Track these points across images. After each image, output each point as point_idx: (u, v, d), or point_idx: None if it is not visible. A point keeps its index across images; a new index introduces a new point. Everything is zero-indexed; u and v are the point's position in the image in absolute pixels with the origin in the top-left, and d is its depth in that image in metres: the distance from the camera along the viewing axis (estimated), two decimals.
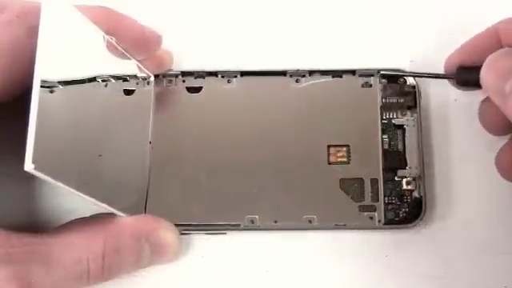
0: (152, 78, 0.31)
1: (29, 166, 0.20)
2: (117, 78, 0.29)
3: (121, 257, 0.25)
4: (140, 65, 0.29)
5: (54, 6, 0.22)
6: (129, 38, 0.27)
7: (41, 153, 0.20)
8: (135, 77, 0.30)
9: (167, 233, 0.27)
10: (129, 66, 0.29)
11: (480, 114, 0.28)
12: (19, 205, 0.29)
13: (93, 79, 0.27)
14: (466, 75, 0.26)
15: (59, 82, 0.24)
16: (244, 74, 0.30)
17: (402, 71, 0.30)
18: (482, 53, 0.25)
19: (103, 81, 0.28)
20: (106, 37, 0.26)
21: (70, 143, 0.25)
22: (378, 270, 0.28)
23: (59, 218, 0.28)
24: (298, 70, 0.30)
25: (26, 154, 0.20)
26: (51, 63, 0.22)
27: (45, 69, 0.21)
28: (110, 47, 0.27)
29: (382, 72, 0.30)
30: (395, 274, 0.28)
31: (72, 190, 0.23)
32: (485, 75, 0.24)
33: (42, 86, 0.21)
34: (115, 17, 0.27)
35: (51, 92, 0.23)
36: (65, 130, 0.24)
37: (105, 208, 0.25)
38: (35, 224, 0.29)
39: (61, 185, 0.22)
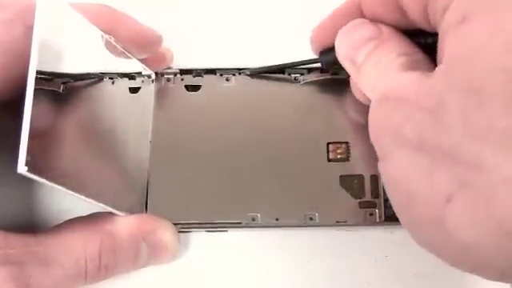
0: (153, 76, 0.30)
1: (22, 168, 0.20)
2: (122, 75, 0.29)
3: (118, 256, 0.25)
4: (141, 63, 0.29)
5: (48, 5, 0.22)
6: (129, 38, 0.27)
7: (36, 154, 0.20)
8: (140, 74, 0.30)
9: (165, 233, 0.27)
10: (131, 64, 0.29)
11: (352, 86, 0.28)
12: (17, 205, 0.29)
13: (95, 77, 0.27)
14: (328, 57, 0.25)
15: (60, 81, 0.24)
16: (242, 72, 0.30)
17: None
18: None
19: (110, 78, 0.28)
20: (105, 36, 0.26)
21: (70, 143, 0.25)
22: (378, 269, 0.28)
23: (57, 217, 0.28)
24: (296, 68, 0.30)
25: (19, 156, 0.20)
26: (46, 62, 0.22)
27: (39, 67, 0.21)
28: (109, 46, 0.27)
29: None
30: (395, 272, 0.28)
31: (69, 191, 0.23)
32: (338, 48, 0.23)
33: (39, 85, 0.21)
34: (115, 15, 0.27)
35: (50, 91, 0.23)
36: (64, 130, 0.24)
37: (104, 208, 0.25)
38: (33, 224, 0.29)
39: (56, 186, 0.22)
